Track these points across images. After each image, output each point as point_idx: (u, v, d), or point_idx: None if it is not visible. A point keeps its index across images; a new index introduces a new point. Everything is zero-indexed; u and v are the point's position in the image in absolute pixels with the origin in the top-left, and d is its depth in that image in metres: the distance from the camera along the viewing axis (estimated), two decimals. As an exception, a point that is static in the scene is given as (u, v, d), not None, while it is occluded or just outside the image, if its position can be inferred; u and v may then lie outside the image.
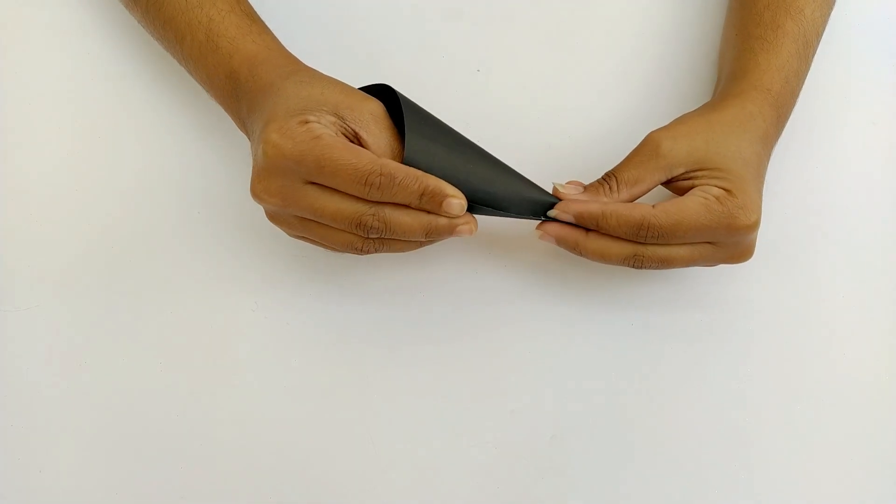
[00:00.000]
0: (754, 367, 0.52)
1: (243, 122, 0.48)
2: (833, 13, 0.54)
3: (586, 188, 0.46)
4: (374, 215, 0.42)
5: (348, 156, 0.41)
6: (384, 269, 0.53)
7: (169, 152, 0.54)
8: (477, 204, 0.45)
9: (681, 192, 0.46)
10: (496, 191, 0.45)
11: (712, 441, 0.52)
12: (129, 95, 0.55)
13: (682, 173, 0.45)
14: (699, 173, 0.45)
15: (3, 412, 0.52)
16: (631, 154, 0.46)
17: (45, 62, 0.55)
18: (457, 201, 0.43)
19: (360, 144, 0.44)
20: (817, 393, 0.52)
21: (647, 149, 0.46)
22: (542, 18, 0.56)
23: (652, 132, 0.46)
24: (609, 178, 0.46)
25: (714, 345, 0.53)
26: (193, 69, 0.49)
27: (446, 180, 0.43)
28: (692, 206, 0.43)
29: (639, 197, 0.46)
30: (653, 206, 0.44)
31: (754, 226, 0.44)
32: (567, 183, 0.47)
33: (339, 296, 0.53)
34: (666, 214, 0.43)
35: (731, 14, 0.53)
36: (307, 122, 0.42)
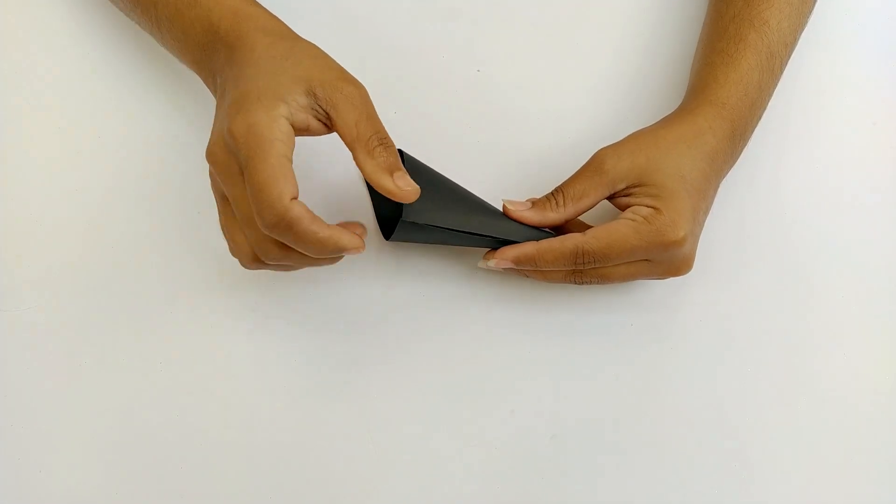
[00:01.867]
0: (755, 368, 0.52)
1: (214, 76, 0.46)
2: (832, 14, 0.54)
3: (534, 203, 0.48)
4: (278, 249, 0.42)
5: (269, 185, 0.39)
6: (385, 269, 0.53)
7: (170, 152, 0.54)
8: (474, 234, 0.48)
9: (620, 207, 0.48)
10: (492, 232, 0.48)
11: (712, 441, 0.52)
12: (131, 96, 0.55)
13: (623, 189, 0.47)
14: (636, 189, 0.47)
15: (3, 412, 0.52)
16: (579, 170, 0.48)
17: (45, 62, 0.55)
18: (354, 250, 0.43)
19: (331, 125, 0.42)
20: (818, 393, 0.52)
21: (593, 165, 0.48)
22: (542, 18, 0.56)
23: (601, 149, 0.48)
24: (556, 194, 0.48)
25: (715, 345, 0.53)
26: (167, 29, 0.47)
27: (447, 231, 0.46)
28: (622, 229, 0.46)
29: (584, 211, 0.48)
30: (584, 234, 0.46)
31: (682, 241, 0.46)
32: (515, 200, 0.49)
33: (339, 295, 0.53)
34: (597, 241, 0.46)
35: (703, 27, 0.53)
36: (274, 109, 0.40)
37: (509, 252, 0.48)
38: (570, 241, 0.46)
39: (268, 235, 0.41)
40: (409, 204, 0.43)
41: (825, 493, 0.52)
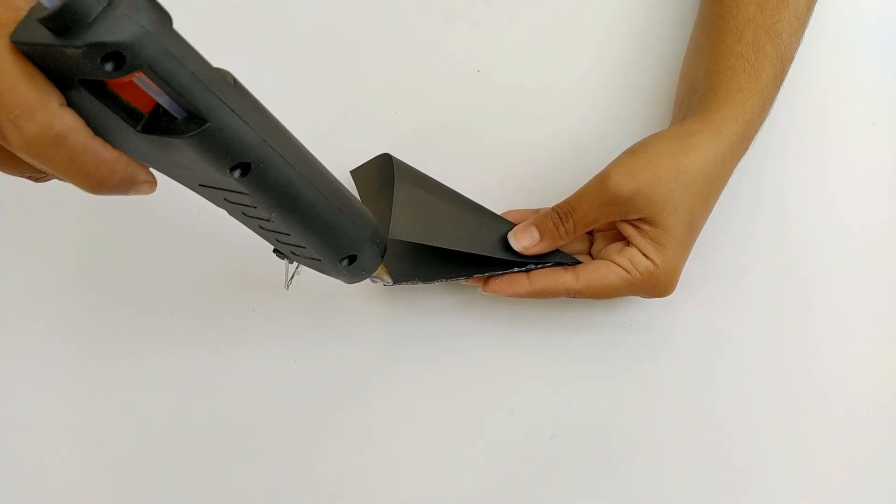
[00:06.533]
0: (755, 369, 0.52)
1: None
2: (832, 14, 0.54)
3: (540, 231, 0.47)
4: None
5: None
6: (384, 269, 0.53)
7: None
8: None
9: (621, 231, 0.47)
10: (480, 249, 0.47)
11: (713, 441, 0.52)
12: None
13: (633, 219, 0.46)
14: (645, 227, 0.46)
15: (3, 412, 0.52)
16: (591, 195, 0.46)
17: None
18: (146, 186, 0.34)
19: None
20: (819, 394, 0.52)
21: (607, 193, 0.45)
22: (542, 18, 0.56)
23: (615, 177, 0.45)
24: (565, 220, 0.47)
25: (716, 344, 0.53)
26: None
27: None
28: (614, 282, 0.46)
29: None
30: (576, 280, 0.47)
31: (670, 292, 0.47)
32: (522, 229, 0.48)
33: (339, 296, 0.53)
34: (588, 289, 0.47)
35: (706, 22, 0.50)
36: None
37: (503, 289, 0.48)
38: (561, 285, 0.47)
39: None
40: (394, 222, 0.44)
41: (826, 495, 0.52)
